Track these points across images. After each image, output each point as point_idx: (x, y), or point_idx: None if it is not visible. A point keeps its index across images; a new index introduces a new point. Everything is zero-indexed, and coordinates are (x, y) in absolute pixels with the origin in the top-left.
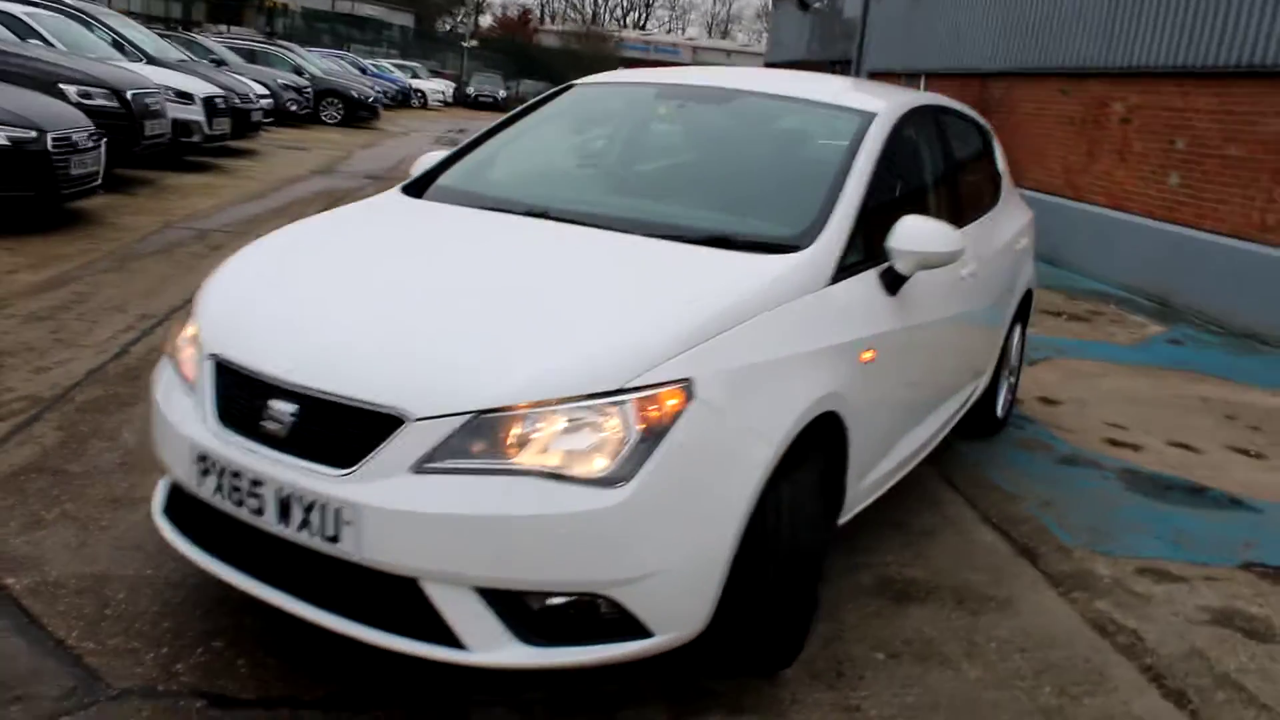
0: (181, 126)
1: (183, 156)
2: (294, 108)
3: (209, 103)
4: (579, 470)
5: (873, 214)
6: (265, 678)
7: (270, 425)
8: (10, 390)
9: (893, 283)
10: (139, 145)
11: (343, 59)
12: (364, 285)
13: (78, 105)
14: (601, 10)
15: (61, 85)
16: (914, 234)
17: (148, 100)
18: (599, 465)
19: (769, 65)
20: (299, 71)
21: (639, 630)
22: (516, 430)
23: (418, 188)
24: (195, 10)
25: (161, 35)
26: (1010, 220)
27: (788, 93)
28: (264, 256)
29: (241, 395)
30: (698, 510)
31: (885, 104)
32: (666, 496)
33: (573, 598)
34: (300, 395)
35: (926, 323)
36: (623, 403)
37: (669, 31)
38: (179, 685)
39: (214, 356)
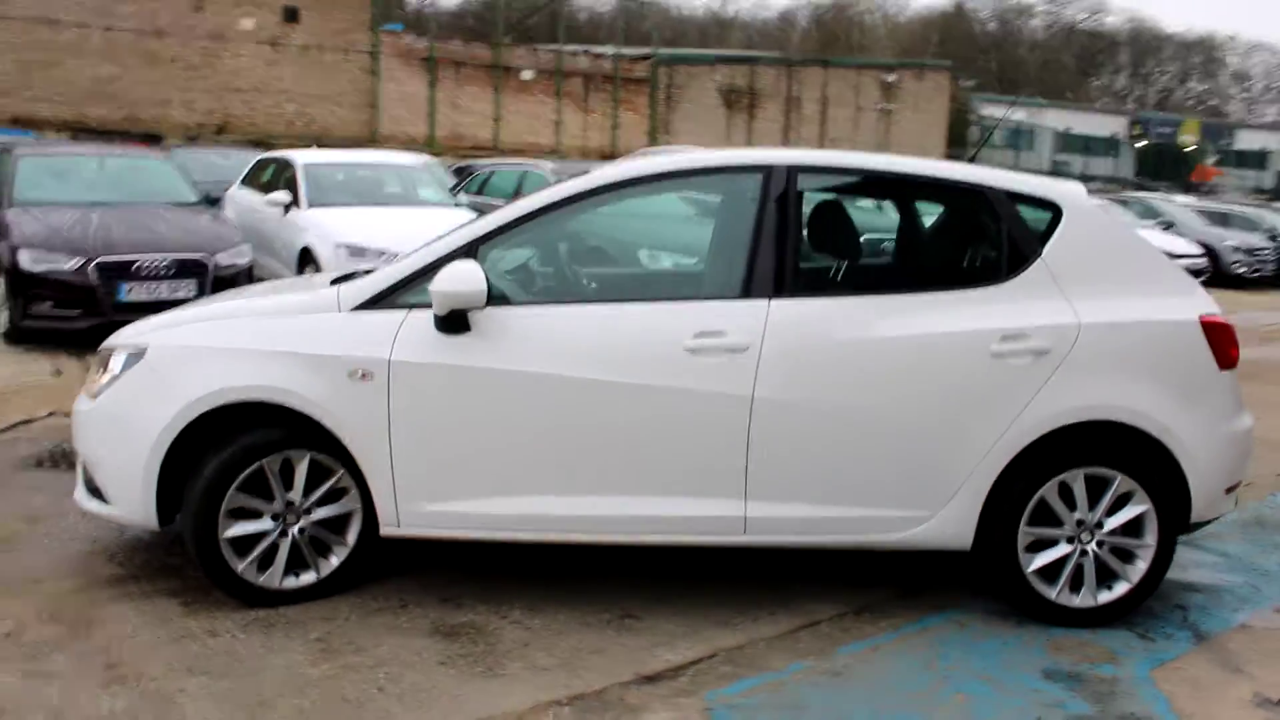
0: None
1: None
2: (1241, 270)
3: None
4: (92, 388)
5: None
6: None
7: None
8: None
9: (443, 322)
10: None
11: None
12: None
13: None
14: None
15: None
16: (444, 276)
17: None
18: (94, 387)
19: None
20: (1275, 235)
21: (105, 498)
22: (99, 364)
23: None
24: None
25: None
26: (1009, 316)
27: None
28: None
29: None
30: (125, 430)
31: (621, 168)
32: (109, 415)
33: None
34: None
35: (559, 376)
36: (113, 353)
37: None
38: None
39: None
